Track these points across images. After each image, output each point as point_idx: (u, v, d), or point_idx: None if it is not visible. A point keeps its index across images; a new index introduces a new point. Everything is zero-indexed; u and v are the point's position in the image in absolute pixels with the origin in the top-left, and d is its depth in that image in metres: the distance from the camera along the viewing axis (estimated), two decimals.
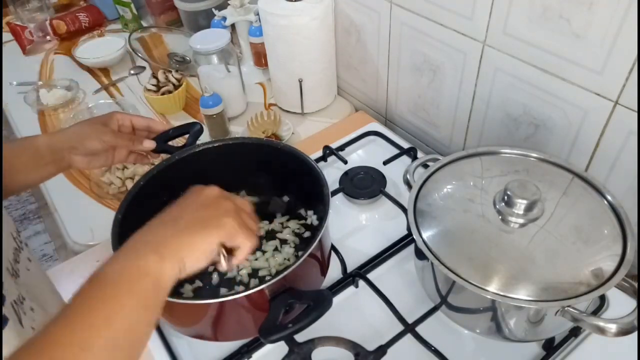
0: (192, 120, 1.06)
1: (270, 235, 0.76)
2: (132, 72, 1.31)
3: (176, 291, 0.70)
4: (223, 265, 0.50)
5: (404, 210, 0.79)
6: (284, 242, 0.75)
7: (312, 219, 0.77)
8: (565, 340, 0.64)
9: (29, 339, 0.38)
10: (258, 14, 1.06)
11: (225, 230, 0.49)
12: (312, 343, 0.61)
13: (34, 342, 0.37)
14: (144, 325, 0.43)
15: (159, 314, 0.45)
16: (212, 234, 0.48)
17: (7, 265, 0.50)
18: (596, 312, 0.66)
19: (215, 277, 0.71)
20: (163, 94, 1.10)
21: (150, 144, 0.71)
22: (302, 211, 0.78)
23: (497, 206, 0.59)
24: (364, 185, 0.86)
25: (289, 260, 0.73)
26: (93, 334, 0.38)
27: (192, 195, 0.52)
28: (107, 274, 0.42)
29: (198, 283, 0.70)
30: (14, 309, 0.47)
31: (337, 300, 0.70)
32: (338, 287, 0.72)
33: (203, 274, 0.71)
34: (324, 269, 0.68)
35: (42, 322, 0.52)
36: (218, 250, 0.49)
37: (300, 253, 0.68)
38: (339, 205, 0.86)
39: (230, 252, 0.51)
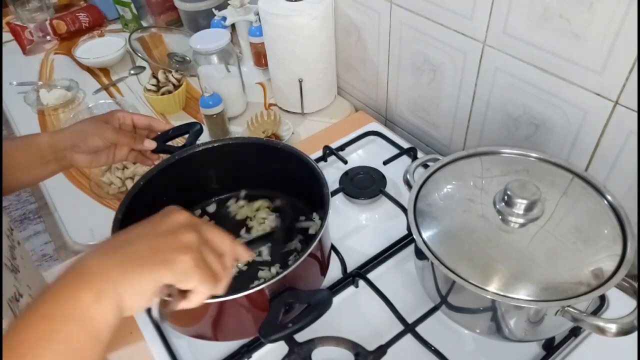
0: (192, 120, 1.06)
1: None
2: (132, 72, 1.31)
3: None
4: (154, 311, 0.41)
5: (404, 210, 0.79)
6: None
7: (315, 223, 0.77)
8: (565, 340, 0.64)
9: None
10: (258, 14, 1.06)
11: (175, 269, 0.40)
12: (312, 343, 0.61)
13: None
14: None
15: None
16: (160, 271, 0.40)
17: (7, 262, 0.50)
18: (596, 312, 0.66)
19: None
20: (163, 94, 1.10)
21: (150, 144, 0.71)
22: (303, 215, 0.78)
23: (497, 206, 0.59)
24: (364, 185, 0.86)
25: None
26: None
27: (155, 218, 0.44)
28: (33, 317, 0.37)
29: None
30: (10, 306, 0.47)
31: (337, 300, 0.70)
32: (338, 287, 0.72)
33: None
34: (324, 268, 0.68)
35: None
36: (165, 291, 0.41)
37: (300, 253, 0.68)
38: (339, 205, 0.86)
39: (184, 292, 0.43)
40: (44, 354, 0.35)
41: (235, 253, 0.47)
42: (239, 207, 0.79)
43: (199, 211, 0.80)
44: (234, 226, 0.77)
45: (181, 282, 0.41)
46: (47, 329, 0.36)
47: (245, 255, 0.48)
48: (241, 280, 0.71)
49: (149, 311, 0.42)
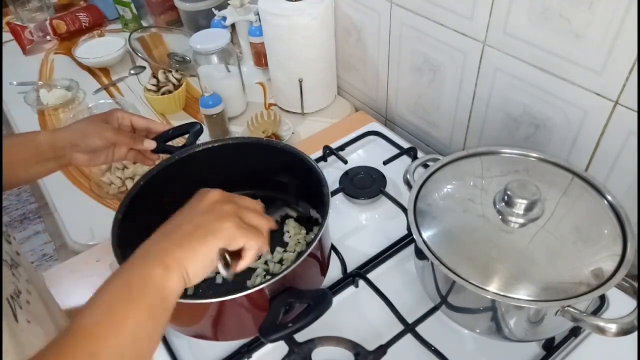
0: (192, 120, 1.06)
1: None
2: (132, 72, 1.31)
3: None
4: (222, 271, 0.47)
5: (404, 210, 0.79)
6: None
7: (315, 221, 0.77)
8: (565, 340, 0.64)
9: (39, 352, 0.38)
10: (258, 14, 1.06)
11: (222, 235, 0.47)
12: (312, 343, 0.61)
13: (44, 353, 0.38)
14: (150, 336, 0.43)
15: (166, 326, 0.45)
16: (210, 241, 0.46)
17: (6, 257, 0.50)
18: (596, 312, 0.66)
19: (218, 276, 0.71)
20: (163, 94, 1.10)
21: (150, 144, 0.71)
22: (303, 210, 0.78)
23: (497, 206, 0.59)
24: (364, 185, 0.86)
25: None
26: (101, 345, 0.39)
27: (193, 201, 0.51)
28: (113, 286, 0.43)
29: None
30: (10, 303, 0.47)
31: (337, 300, 0.70)
32: (338, 287, 0.72)
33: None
34: (324, 268, 0.68)
35: (38, 315, 0.52)
36: (219, 256, 0.47)
37: (300, 253, 0.68)
38: (339, 205, 0.86)
39: (238, 254, 0.49)
40: (129, 314, 0.41)
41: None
42: None
43: None
44: None
45: (231, 244, 0.48)
46: (128, 293, 0.42)
47: (272, 223, 0.53)
48: (241, 279, 0.71)
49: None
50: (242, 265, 0.49)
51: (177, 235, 0.47)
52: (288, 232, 0.76)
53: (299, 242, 0.76)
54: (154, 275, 0.43)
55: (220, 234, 0.47)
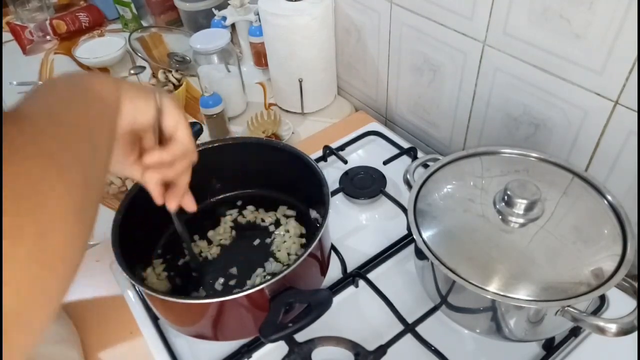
0: (192, 120, 1.06)
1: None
2: (132, 72, 1.30)
3: (184, 292, 0.70)
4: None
5: (404, 210, 0.79)
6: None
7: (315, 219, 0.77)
8: (565, 340, 0.64)
9: None
10: (258, 14, 1.06)
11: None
12: (312, 343, 0.61)
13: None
14: (107, 146, 0.41)
15: (112, 147, 0.43)
16: (152, 97, 0.49)
17: None
18: (596, 312, 0.66)
19: (218, 284, 0.71)
20: None
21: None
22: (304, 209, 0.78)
23: (497, 206, 0.59)
24: (364, 185, 0.86)
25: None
26: (57, 146, 0.33)
27: None
28: (70, 89, 0.40)
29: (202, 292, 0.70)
30: None
31: (337, 300, 0.70)
32: (338, 287, 0.72)
33: (206, 284, 0.71)
34: (324, 268, 0.68)
35: None
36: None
37: (300, 252, 0.68)
38: (339, 205, 0.86)
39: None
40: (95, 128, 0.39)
41: None
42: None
43: None
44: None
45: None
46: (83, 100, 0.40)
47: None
48: (240, 277, 0.71)
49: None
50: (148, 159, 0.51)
51: (127, 84, 0.47)
52: (288, 231, 0.76)
53: (294, 254, 0.75)
54: (109, 95, 0.43)
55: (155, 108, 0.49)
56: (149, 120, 0.49)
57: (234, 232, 0.78)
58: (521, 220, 0.57)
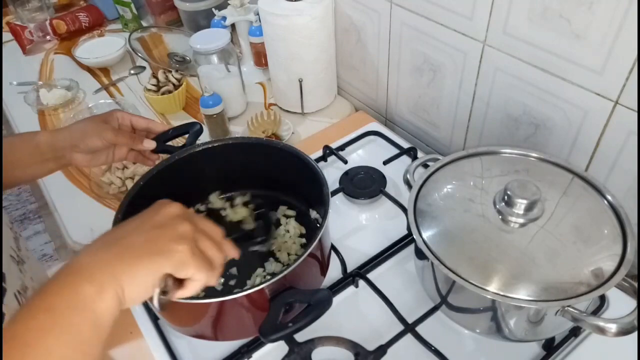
0: (192, 120, 1.06)
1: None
2: (132, 72, 1.31)
3: None
4: (155, 300, 0.41)
5: (404, 210, 0.79)
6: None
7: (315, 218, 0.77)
8: (565, 340, 0.64)
9: None
10: (258, 14, 1.06)
11: (173, 259, 0.41)
12: (312, 343, 0.61)
13: None
14: None
15: (101, 349, 0.40)
16: (158, 261, 0.41)
17: (12, 253, 0.50)
18: (596, 312, 0.66)
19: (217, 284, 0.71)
20: (163, 94, 1.10)
21: (149, 144, 0.71)
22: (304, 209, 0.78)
23: (497, 206, 0.59)
24: (364, 185, 0.86)
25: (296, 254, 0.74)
26: None
27: (148, 211, 0.45)
28: (35, 311, 0.37)
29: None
30: (17, 299, 0.47)
31: (337, 300, 0.70)
32: (338, 287, 0.72)
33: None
34: (324, 268, 0.68)
35: None
36: (162, 281, 0.41)
37: (300, 252, 0.68)
38: (339, 205, 0.86)
39: (180, 282, 0.44)
40: (49, 343, 0.35)
41: (225, 246, 0.48)
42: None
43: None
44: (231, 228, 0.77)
45: (179, 271, 0.42)
46: (49, 320, 0.36)
47: (233, 252, 0.49)
48: (241, 276, 0.71)
49: (146, 304, 0.43)
50: (181, 294, 0.44)
51: (121, 246, 0.41)
52: (288, 231, 0.76)
53: (294, 254, 0.75)
54: (82, 296, 0.37)
55: (171, 257, 0.41)
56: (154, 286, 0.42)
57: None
58: (521, 220, 0.57)
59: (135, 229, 0.42)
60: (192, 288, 0.44)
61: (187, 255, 0.42)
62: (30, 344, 0.35)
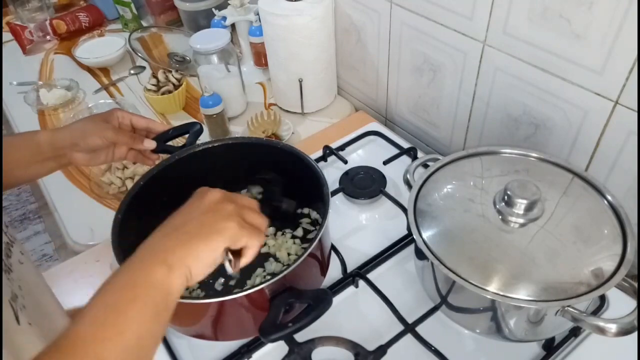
0: (192, 120, 1.06)
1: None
2: (132, 72, 1.31)
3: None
4: (229, 269, 0.48)
5: (404, 210, 0.79)
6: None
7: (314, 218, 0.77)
8: (565, 340, 0.64)
9: (39, 352, 0.37)
10: (258, 14, 1.06)
11: (227, 235, 0.48)
12: (312, 343, 0.61)
13: (48, 354, 0.37)
14: (153, 335, 0.43)
15: (167, 325, 0.45)
16: (215, 239, 0.47)
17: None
18: (596, 312, 0.66)
19: (218, 284, 0.71)
20: (163, 93, 1.10)
21: (150, 144, 0.71)
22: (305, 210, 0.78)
23: (497, 206, 0.59)
24: (364, 185, 0.86)
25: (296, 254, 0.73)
26: (107, 347, 0.39)
27: (194, 200, 0.51)
28: (116, 286, 0.43)
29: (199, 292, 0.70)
30: (12, 306, 0.47)
31: (337, 300, 0.70)
32: (338, 287, 0.72)
33: (206, 284, 0.71)
34: (324, 268, 0.68)
35: (36, 317, 0.51)
36: (223, 254, 0.48)
37: (300, 252, 0.68)
38: (339, 205, 0.86)
39: (239, 253, 0.50)
40: (133, 314, 0.41)
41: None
42: None
43: None
44: None
45: (235, 244, 0.48)
46: (132, 293, 0.42)
47: (266, 220, 0.54)
48: (241, 276, 0.71)
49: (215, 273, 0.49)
50: (243, 262, 0.50)
51: (180, 233, 0.47)
52: (288, 232, 0.76)
53: (294, 254, 0.75)
54: (157, 275, 0.43)
55: (225, 233, 0.48)
56: (211, 266, 0.48)
57: None
58: (521, 220, 0.57)
59: (188, 218, 0.49)
60: (250, 254, 0.50)
61: (237, 229, 0.48)
62: (119, 313, 0.40)
